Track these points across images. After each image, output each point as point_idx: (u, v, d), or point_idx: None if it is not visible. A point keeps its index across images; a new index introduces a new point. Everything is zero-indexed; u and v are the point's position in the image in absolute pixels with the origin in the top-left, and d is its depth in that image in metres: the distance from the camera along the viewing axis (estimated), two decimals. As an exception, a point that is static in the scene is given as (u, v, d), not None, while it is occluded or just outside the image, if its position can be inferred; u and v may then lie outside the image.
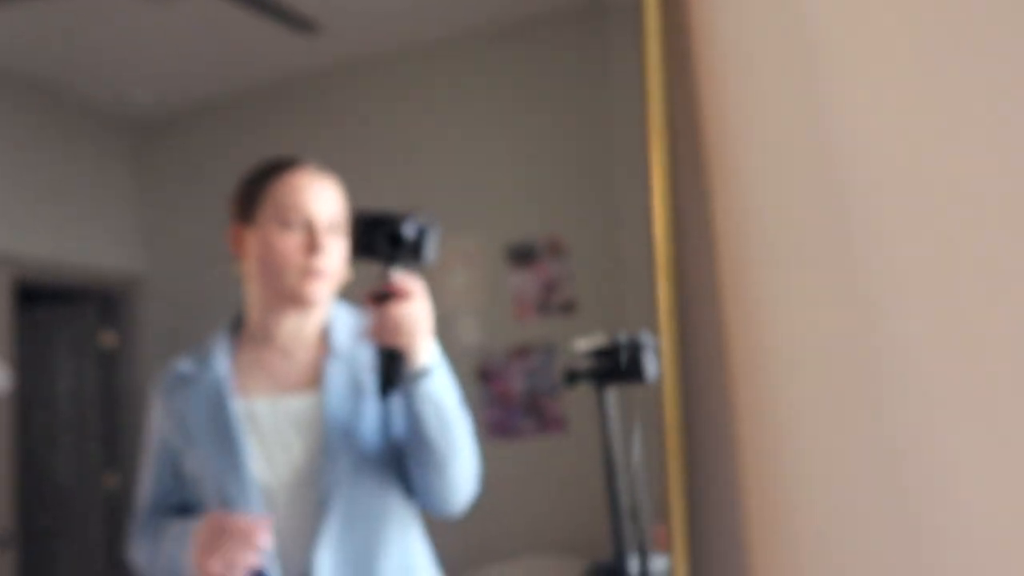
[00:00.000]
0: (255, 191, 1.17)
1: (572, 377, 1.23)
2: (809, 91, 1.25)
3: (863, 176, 1.21)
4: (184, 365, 1.22)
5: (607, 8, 1.59)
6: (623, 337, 1.23)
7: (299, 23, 1.55)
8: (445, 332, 1.18)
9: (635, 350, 1.21)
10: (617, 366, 1.20)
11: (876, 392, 1.19)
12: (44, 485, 1.71)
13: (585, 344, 1.24)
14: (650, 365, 1.20)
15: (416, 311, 1.08)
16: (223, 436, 1.14)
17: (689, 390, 1.24)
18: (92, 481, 1.73)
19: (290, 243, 1.15)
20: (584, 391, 1.56)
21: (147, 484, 1.23)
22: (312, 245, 1.14)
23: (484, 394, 1.63)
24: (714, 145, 1.28)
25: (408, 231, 1.08)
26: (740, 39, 1.28)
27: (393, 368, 1.08)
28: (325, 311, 1.21)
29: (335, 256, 1.16)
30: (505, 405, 1.62)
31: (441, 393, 1.11)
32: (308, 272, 1.15)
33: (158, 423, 1.21)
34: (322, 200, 1.17)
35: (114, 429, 1.75)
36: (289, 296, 1.16)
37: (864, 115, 1.22)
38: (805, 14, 1.24)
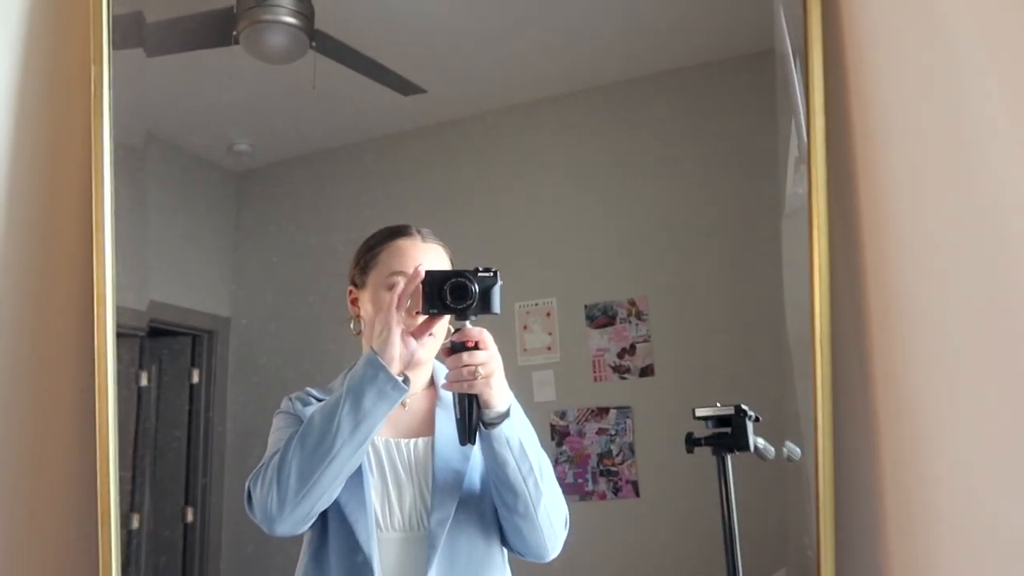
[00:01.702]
0: (369, 256, 1.24)
1: (692, 443, 1.24)
2: (972, 161, 1.22)
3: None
4: (316, 391, 1.27)
5: (700, 73, 1.63)
6: (746, 409, 1.24)
7: (406, 87, 1.62)
8: (522, 390, 1.21)
9: (751, 422, 1.22)
10: (743, 435, 1.21)
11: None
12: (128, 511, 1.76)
13: (705, 411, 1.26)
14: (752, 439, 1.21)
15: (487, 359, 1.11)
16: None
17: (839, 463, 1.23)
18: (172, 513, 1.77)
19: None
20: (653, 457, 1.56)
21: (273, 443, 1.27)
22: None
23: (558, 453, 1.64)
24: (867, 198, 1.27)
25: (475, 285, 1.12)
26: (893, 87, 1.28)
27: (471, 414, 1.11)
28: (428, 371, 1.26)
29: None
30: (579, 465, 1.63)
31: (520, 436, 1.13)
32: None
33: (292, 419, 1.25)
34: (432, 263, 1.21)
35: (194, 463, 1.80)
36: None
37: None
38: (963, 71, 1.23)
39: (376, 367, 1.09)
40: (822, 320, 1.24)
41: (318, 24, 1.58)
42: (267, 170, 1.96)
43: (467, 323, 1.11)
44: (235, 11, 1.54)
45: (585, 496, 1.62)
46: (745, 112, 1.62)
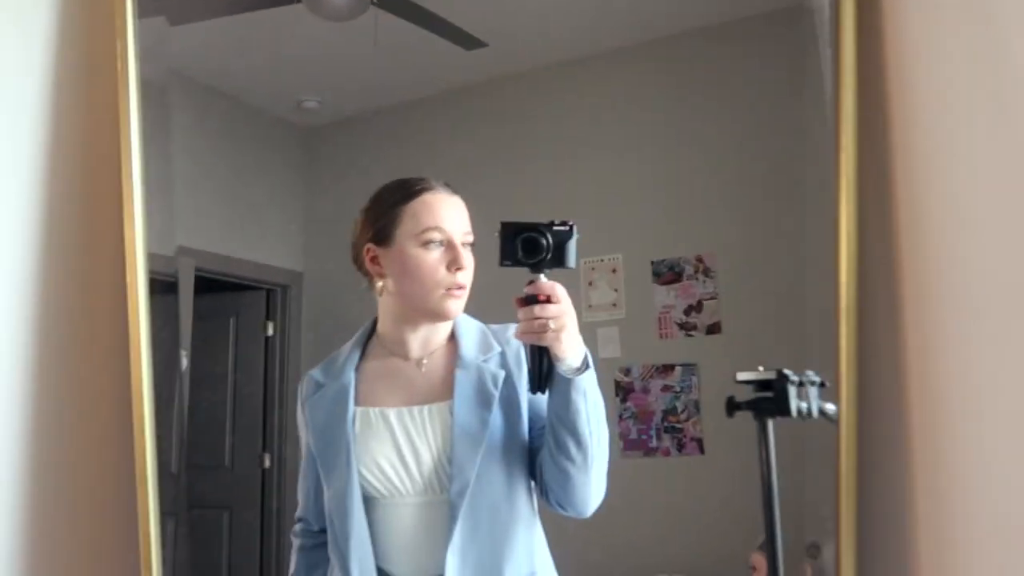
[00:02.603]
0: (392, 212, 1.20)
1: (733, 407, 1.22)
2: (1009, 105, 1.14)
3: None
4: (317, 373, 1.28)
5: (765, 26, 1.56)
6: (790, 372, 1.20)
7: (468, 41, 1.61)
8: (587, 345, 1.20)
9: (801, 387, 1.19)
10: (784, 400, 1.18)
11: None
12: (209, 460, 1.85)
13: (746, 375, 1.23)
14: (815, 403, 1.18)
15: (561, 313, 1.11)
16: (335, 441, 1.18)
17: (865, 433, 1.20)
18: (251, 459, 1.86)
19: (432, 261, 1.19)
20: (718, 415, 1.54)
21: (301, 492, 1.30)
22: (456, 262, 1.18)
23: (621, 409, 1.64)
24: (903, 165, 1.22)
25: (551, 238, 1.11)
26: (934, 54, 1.21)
27: (543, 365, 1.11)
28: (448, 324, 1.26)
29: (471, 271, 1.21)
30: (643, 421, 1.63)
31: (593, 389, 1.13)
32: (452, 288, 1.19)
33: (303, 432, 1.28)
34: (457, 219, 1.20)
35: (269, 412, 1.88)
36: (431, 311, 1.21)
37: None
38: (997, 21, 1.17)
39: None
40: (848, 289, 1.20)
41: (379, -20, 1.57)
42: (336, 126, 1.98)
43: (541, 276, 1.11)
44: (297, -30, 1.55)
45: (649, 452, 1.62)
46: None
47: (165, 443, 1.42)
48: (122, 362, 1.35)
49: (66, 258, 1.39)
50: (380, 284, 1.22)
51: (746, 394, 1.22)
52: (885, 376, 1.20)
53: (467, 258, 1.19)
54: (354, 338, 1.29)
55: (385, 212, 1.21)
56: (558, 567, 1.25)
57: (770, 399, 1.20)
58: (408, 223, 1.19)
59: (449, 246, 1.19)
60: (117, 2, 1.34)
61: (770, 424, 1.19)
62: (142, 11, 1.34)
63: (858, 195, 1.21)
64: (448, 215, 1.19)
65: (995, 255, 1.16)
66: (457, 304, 1.20)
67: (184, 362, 1.70)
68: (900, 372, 1.19)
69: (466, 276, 1.20)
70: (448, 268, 1.18)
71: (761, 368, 1.23)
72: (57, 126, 1.39)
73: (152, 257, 1.37)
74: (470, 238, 1.21)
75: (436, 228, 1.18)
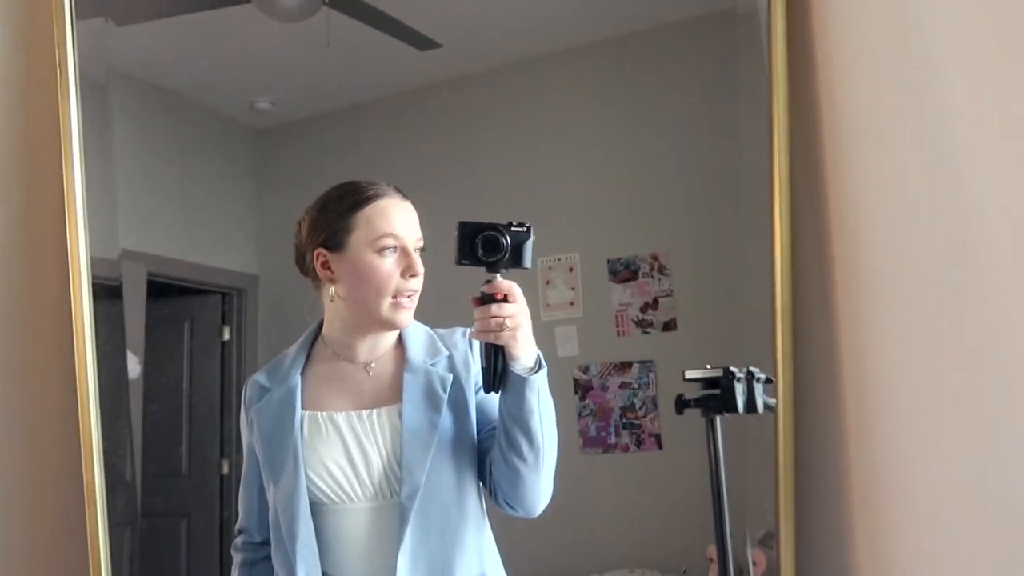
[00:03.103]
0: (345, 218, 1.19)
1: (682, 405, 1.24)
2: (934, 98, 1.20)
3: (992, 201, 1.17)
4: (262, 377, 1.26)
5: (715, 26, 1.59)
6: (737, 370, 1.23)
7: (422, 41, 1.60)
8: (544, 345, 1.21)
9: (749, 383, 1.21)
10: (731, 397, 1.20)
11: (992, 436, 1.16)
12: (164, 468, 1.82)
13: (694, 373, 1.25)
14: (761, 399, 1.21)
15: (517, 312, 1.11)
16: (282, 446, 1.17)
17: (802, 426, 1.23)
18: (208, 466, 1.83)
19: (387, 268, 1.18)
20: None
21: (243, 502, 1.28)
22: (410, 268, 1.18)
23: (580, 406, 1.65)
24: (833, 165, 1.26)
25: (508, 238, 1.12)
26: (859, 54, 1.26)
27: (497, 364, 1.12)
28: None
29: (422, 277, 1.21)
30: (601, 418, 1.64)
31: (545, 389, 1.14)
32: (404, 294, 1.19)
33: (246, 436, 1.27)
34: (410, 224, 1.20)
35: (227, 418, 1.85)
36: (382, 320, 1.20)
37: (990, 126, 1.17)
38: (927, 33, 1.21)
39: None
40: (783, 286, 1.25)
41: (331, -20, 1.56)
42: (289, 127, 1.96)
43: (497, 276, 1.11)
44: (247, -31, 1.53)
45: (608, 449, 1.63)
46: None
47: (118, 451, 1.40)
48: (67, 369, 1.32)
49: (8, 264, 1.36)
50: (332, 290, 1.20)
51: (696, 391, 1.24)
52: (821, 370, 1.23)
53: (419, 264, 1.20)
54: (299, 341, 1.28)
55: (337, 217, 1.19)
56: (519, 565, 1.25)
57: (717, 396, 1.23)
58: (362, 229, 1.18)
59: (403, 253, 1.18)
60: (55, 5, 1.32)
61: (718, 420, 1.22)
62: (83, 12, 1.32)
63: (791, 194, 1.26)
64: (401, 221, 1.19)
65: (924, 251, 1.20)
66: (407, 314, 1.20)
67: (137, 369, 1.67)
68: (835, 366, 1.23)
69: (419, 282, 1.20)
70: (403, 275, 1.18)
71: (708, 366, 1.25)
72: None
73: (95, 261, 1.34)
74: (421, 244, 1.21)
75: (390, 235, 1.18)
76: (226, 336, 1.89)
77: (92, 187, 1.38)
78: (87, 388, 1.31)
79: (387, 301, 1.18)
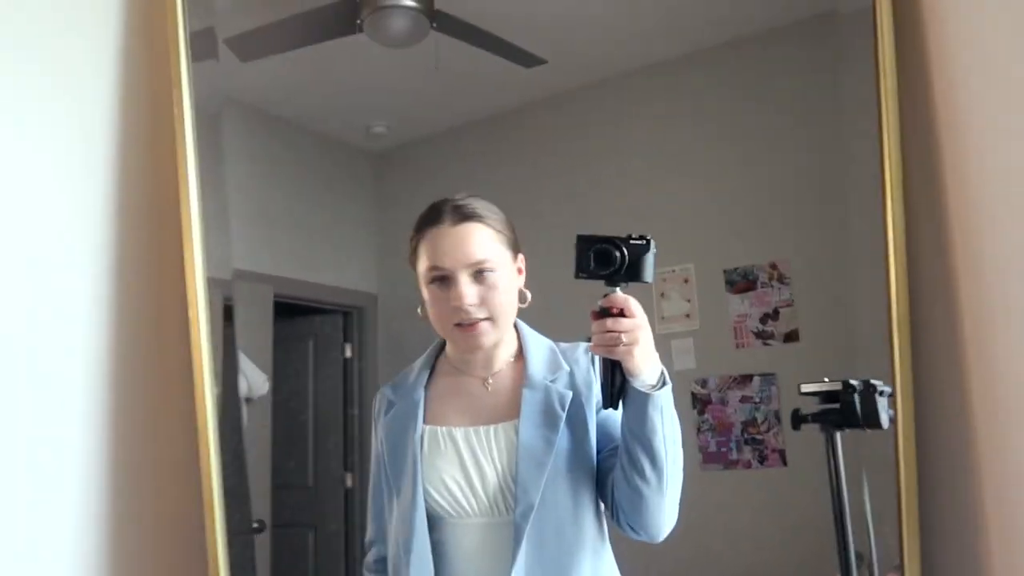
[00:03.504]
0: (412, 244, 1.18)
1: (798, 420, 1.19)
2: None
3: None
4: (389, 391, 1.28)
5: (838, 30, 1.52)
6: (857, 382, 1.16)
7: (527, 58, 1.62)
8: (660, 358, 1.18)
9: (870, 396, 1.14)
10: (851, 412, 1.14)
11: None
12: (292, 481, 1.90)
13: (811, 387, 1.19)
14: (885, 413, 1.13)
15: (634, 327, 1.09)
16: (404, 459, 1.17)
17: (926, 440, 1.15)
18: (333, 479, 1.90)
19: (440, 297, 1.18)
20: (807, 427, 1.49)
21: (372, 513, 1.31)
22: (456, 297, 1.16)
23: (699, 421, 1.61)
24: (951, 164, 1.18)
25: (626, 251, 1.09)
26: (978, 47, 1.18)
27: (615, 380, 1.10)
28: (512, 342, 1.23)
29: (489, 294, 1.13)
30: (721, 433, 1.59)
31: (670, 407, 1.11)
32: (460, 324, 1.17)
33: (376, 446, 1.29)
34: (459, 249, 1.13)
35: (350, 432, 1.91)
36: (453, 344, 1.20)
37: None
38: None
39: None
40: (899, 297, 1.18)
41: (438, 4, 1.59)
42: (405, 149, 2.01)
43: (616, 289, 1.09)
44: (356, 0, 1.58)
45: (729, 465, 1.58)
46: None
47: (234, 464, 1.46)
48: (187, 388, 1.41)
49: (134, 289, 1.46)
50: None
51: (814, 405, 1.18)
52: (945, 381, 1.15)
53: (471, 289, 1.13)
54: (424, 356, 1.29)
55: (410, 245, 1.19)
56: (638, 585, 1.23)
57: (836, 411, 1.16)
58: (420, 259, 1.18)
59: (453, 281, 1.17)
60: (172, 48, 1.42)
61: (838, 436, 1.15)
62: (200, 54, 1.41)
63: (905, 199, 1.19)
64: (447, 250, 1.15)
65: None
66: (476, 339, 1.15)
67: (266, 386, 1.75)
68: (961, 377, 1.15)
69: (473, 305, 1.13)
70: (454, 304, 1.16)
71: (826, 379, 1.19)
72: (123, 169, 1.47)
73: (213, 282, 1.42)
74: (485, 264, 1.14)
75: (435, 267, 1.17)
76: (348, 353, 1.95)
77: (216, 214, 1.46)
78: (205, 403, 1.40)
79: (451, 329, 1.18)
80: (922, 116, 1.22)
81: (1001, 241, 1.15)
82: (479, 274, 1.15)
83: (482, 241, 1.15)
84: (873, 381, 1.17)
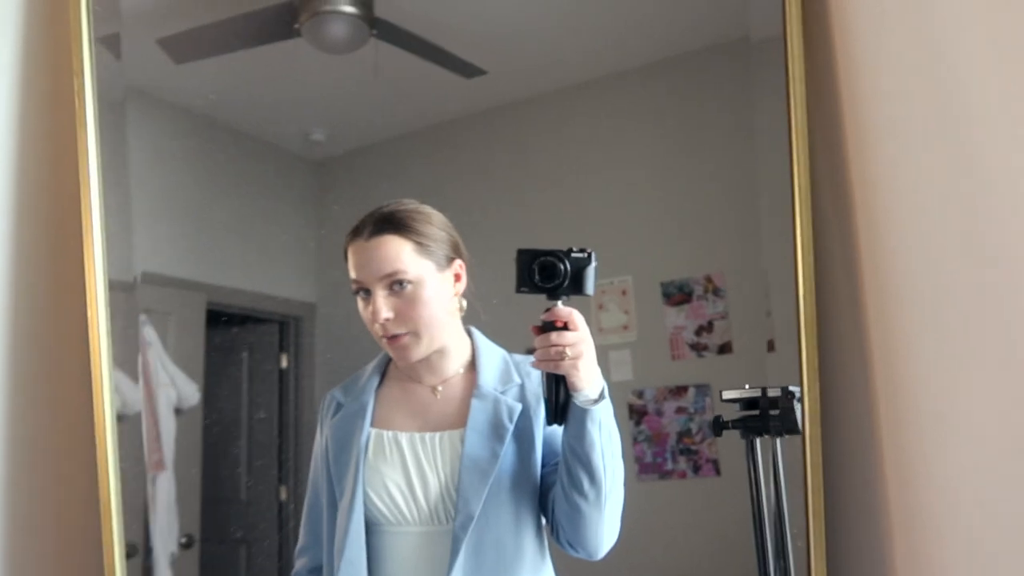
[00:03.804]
0: (344, 256, 1.19)
1: (719, 427, 1.20)
2: (958, 122, 1.18)
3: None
4: (338, 393, 1.27)
5: (751, 46, 1.56)
6: (774, 390, 1.19)
7: (467, 69, 1.62)
8: (600, 369, 1.19)
9: (788, 403, 1.17)
10: (768, 418, 1.16)
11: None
12: (224, 493, 1.85)
13: (732, 393, 1.21)
14: (801, 420, 1.16)
15: (578, 340, 1.09)
16: (347, 461, 1.16)
17: (834, 445, 1.19)
18: (268, 492, 1.85)
19: (364, 310, 1.18)
20: (734, 435, 1.52)
21: (307, 517, 1.29)
22: (373, 312, 1.14)
23: (636, 432, 1.62)
24: (858, 182, 1.24)
25: (569, 265, 1.09)
26: (885, 72, 1.24)
27: (559, 395, 1.09)
28: (464, 350, 1.23)
29: (406, 307, 1.13)
30: (658, 444, 1.61)
31: (609, 421, 1.11)
32: (384, 337, 1.17)
33: (318, 445, 1.28)
34: (375, 263, 1.13)
35: (285, 444, 1.87)
36: (393, 357, 1.20)
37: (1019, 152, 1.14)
38: (947, 49, 1.18)
39: None
40: (807, 303, 1.25)
41: (378, 12, 1.59)
42: (345, 157, 1.99)
43: (558, 303, 1.09)
44: (295, 4, 1.57)
45: (665, 475, 1.60)
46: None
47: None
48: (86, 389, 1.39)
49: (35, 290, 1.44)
50: None
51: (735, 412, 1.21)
52: (853, 386, 1.19)
53: (386, 302, 1.13)
54: (375, 360, 1.28)
55: (344, 258, 1.20)
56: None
57: (755, 417, 1.19)
58: (349, 272, 1.18)
59: (367, 294, 1.16)
60: (75, 44, 1.42)
61: (758, 443, 1.17)
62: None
63: (813, 215, 1.27)
64: (363, 263, 1.14)
65: (954, 259, 1.17)
66: (404, 352, 1.15)
67: (197, 396, 1.71)
68: (867, 383, 1.19)
69: (393, 323, 1.13)
70: (374, 317, 1.15)
71: (747, 386, 1.21)
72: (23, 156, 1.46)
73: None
74: (399, 276, 1.13)
75: (355, 280, 1.16)
76: (284, 364, 1.92)
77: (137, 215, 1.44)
78: (103, 410, 1.38)
79: (382, 341, 1.17)
80: (832, 136, 1.28)
81: (905, 254, 1.20)
82: (396, 286, 1.14)
83: (397, 254, 1.15)
84: (792, 388, 1.19)
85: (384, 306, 1.12)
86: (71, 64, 1.41)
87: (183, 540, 1.67)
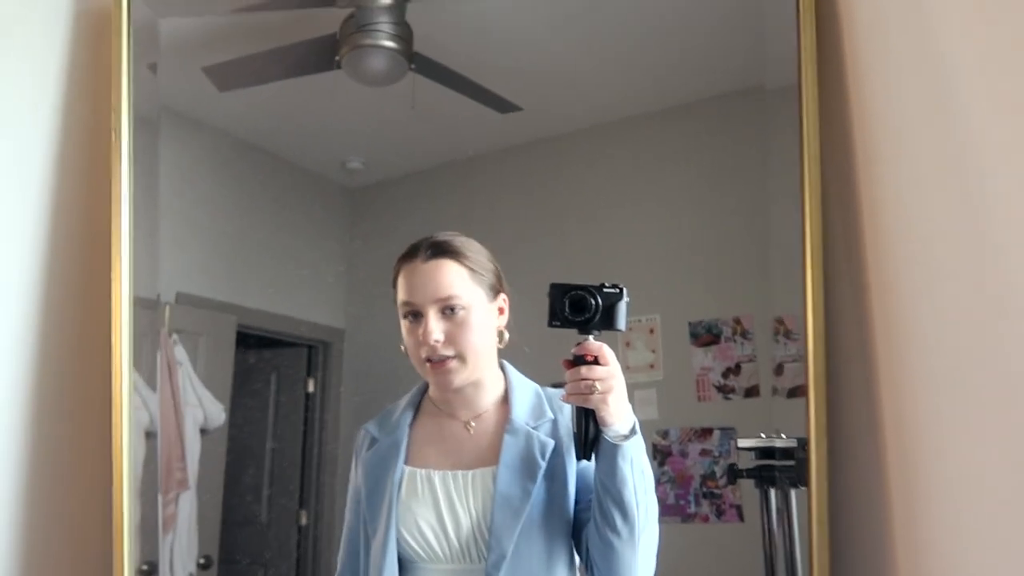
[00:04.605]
0: (394, 280, 1.20)
1: (734, 475, 1.19)
2: (968, 176, 1.17)
3: None
4: (373, 427, 1.27)
5: (766, 92, 1.56)
6: (787, 440, 1.17)
7: (502, 104, 1.64)
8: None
9: (802, 454, 1.15)
10: (779, 468, 1.14)
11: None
12: (244, 515, 1.86)
13: (747, 442, 1.20)
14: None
15: (609, 375, 1.08)
16: (381, 499, 1.17)
17: (842, 496, 1.17)
18: (288, 516, 1.86)
19: (411, 332, 1.18)
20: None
21: (345, 548, 1.28)
22: (424, 333, 1.14)
23: (659, 473, 1.60)
24: (869, 229, 1.23)
25: (600, 300, 1.09)
26: (897, 123, 1.24)
27: (589, 430, 1.09)
28: (498, 384, 1.23)
29: (457, 331, 1.14)
30: (680, 486, 1.59)
31: (641, 457, 1.10)
32: (430, 362, 1.15)
33: (354, 479, 1.27)
34: (429, 286, 1.14)
35: (308, 469, 1.88)
36: (430, 382, 1.20)
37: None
38: (962, 97, 1.17)
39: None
40: (816, 362, 1.25)
41: (416, 47, 1.62)
42: (380, 186, 2.02)
43: (589, 337, 1.09)
44: (337, 37, 1.60)
45: (687, 518, 1.57)
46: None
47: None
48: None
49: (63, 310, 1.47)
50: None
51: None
52: (863, 443, 1.18)
53: (438, 325, 1.13)
54: (409, 394, 1.27)
55: (392, 282, 1.21)
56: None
57: (769, 467, 1.17)
58: (398, 294, 1.19)
59: (420, 316, 1.16)
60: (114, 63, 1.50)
61: (772, 493, 1.15)
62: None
63: (825, 263, 1.30)
64: (418, 285, 1.15)
65: (954, 304, 1.16)
66: (446, 378, 1.15)
67: (222, 417, 1.72)
68: (875, 436, 1.17)
69: (444, 348, 1.14)
70: (422, 342, 1.16)
71: (762, 435, 1.19)
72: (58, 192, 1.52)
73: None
74: (453, 301, 1.15)
75: (406, 302, 1.17)
76: (311, 388, 1.93)
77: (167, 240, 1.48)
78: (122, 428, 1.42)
79: (422, 365, 1.17)
80: (844, 186, 1.30)
81: (916, 302, 1.19)
82: (449, 311, 1.15)
83: (453, 278, 1.16)
84: (804, 439, 1.17)
85: (436, 328, 1.13)
86: (110, 92, 1.47)
87: (201, 560, 1.67)
